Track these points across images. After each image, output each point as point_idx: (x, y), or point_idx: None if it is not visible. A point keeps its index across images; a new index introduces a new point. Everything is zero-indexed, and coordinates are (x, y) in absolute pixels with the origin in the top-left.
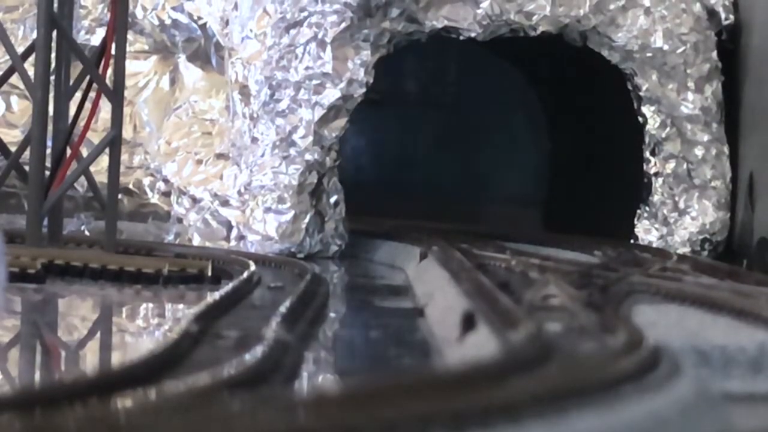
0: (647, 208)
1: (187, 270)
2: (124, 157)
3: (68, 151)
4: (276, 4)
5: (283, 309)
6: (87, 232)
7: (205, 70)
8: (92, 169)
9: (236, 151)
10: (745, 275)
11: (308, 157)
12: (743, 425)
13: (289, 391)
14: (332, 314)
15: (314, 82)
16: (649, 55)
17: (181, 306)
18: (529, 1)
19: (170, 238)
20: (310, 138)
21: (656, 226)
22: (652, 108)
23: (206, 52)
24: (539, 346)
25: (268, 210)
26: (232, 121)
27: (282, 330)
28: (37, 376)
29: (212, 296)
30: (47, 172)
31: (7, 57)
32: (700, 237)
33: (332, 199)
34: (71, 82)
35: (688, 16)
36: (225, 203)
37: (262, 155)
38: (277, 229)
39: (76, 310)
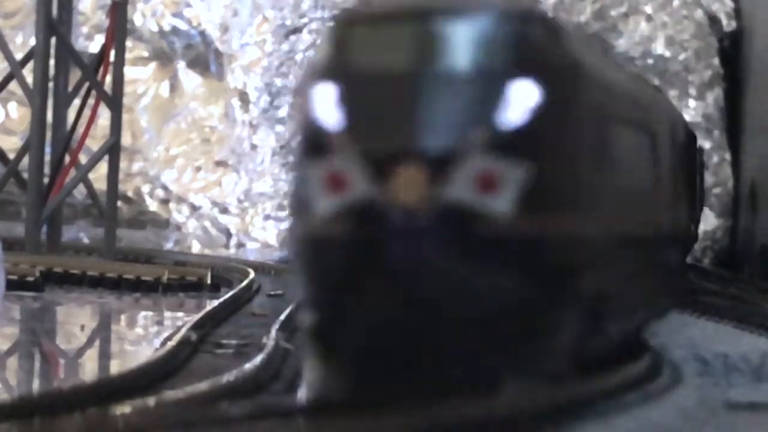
0: None
1: (187, 278)
2: (123, 164)
3: (67, 158)
4: (276, 11)
5: (282, 317)
6: (86, 240)
7: (204, 77)
8: (91, 176)
9: (236, 158)
10: (748, 283)
11: None
12: None
13: (289, 400)
14: None
15: None
16: (650, 61)
17: (180, 314)
18: None
19: (169, 245)
20: None
21: None
22: None
23: (205, 58)
24: None
25: (267, 217)
26: (232, 128)
27: (282, 338)
28: (36, 384)
29: (211, 304)
30: (46, 180)
31: (6, 63)
32: (702, 244)
33: None
34: (70, 89)
35: (690, 22)
36: (224, 210)
37: (262, 162)
38: (277, 236)
39: (75, 318)
